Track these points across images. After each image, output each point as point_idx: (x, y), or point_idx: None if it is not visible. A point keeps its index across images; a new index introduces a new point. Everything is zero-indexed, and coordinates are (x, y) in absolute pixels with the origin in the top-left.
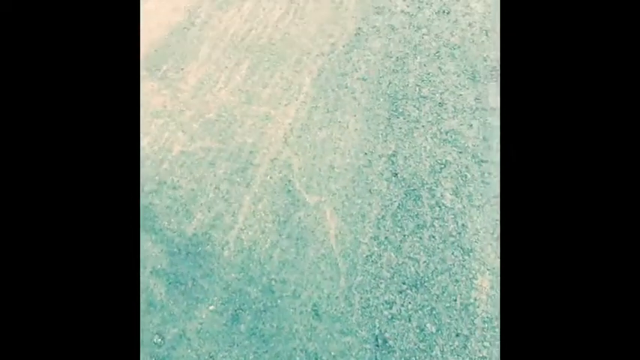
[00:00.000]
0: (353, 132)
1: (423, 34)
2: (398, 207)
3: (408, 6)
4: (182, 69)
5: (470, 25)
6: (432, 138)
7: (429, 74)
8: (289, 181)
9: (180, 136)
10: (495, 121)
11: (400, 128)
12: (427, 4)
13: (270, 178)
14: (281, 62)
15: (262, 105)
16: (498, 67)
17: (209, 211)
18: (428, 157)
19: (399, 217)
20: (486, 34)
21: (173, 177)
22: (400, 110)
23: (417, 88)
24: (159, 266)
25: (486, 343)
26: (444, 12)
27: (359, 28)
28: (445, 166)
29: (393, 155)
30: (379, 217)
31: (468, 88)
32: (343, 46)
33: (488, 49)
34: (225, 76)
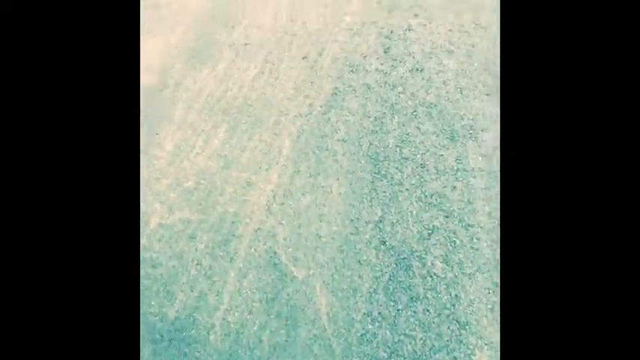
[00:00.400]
0: (337, 197)
1: (399, 93)
2: (389, 279)
3: (382, 64)
4: (157, 134)
5: (444, 82)
6: (417, 202)
7: (408, 134)
8: (275, 253)
9: (158, 208)
10: (478, 182)
11: (384, 192)
12: (400, 61)
13: (255, 250)
14: (259, 124)
15: (242, 170)
16: (475, 126)
17: (192, 291)
18: (415, 222)
19: (392, 290)
20: (461, 92)
21: (152, 253)
22: (383, 172)
23: (398, 149)
24: (141, 356)
25: None
26: (417, 70)
27: (335, 88)
28: (433, 231)
29: (380, 221)
30: (371, 290)
31: (447, 149)
32: (321, 107)
33: (464, 108)
34: (203, 140)
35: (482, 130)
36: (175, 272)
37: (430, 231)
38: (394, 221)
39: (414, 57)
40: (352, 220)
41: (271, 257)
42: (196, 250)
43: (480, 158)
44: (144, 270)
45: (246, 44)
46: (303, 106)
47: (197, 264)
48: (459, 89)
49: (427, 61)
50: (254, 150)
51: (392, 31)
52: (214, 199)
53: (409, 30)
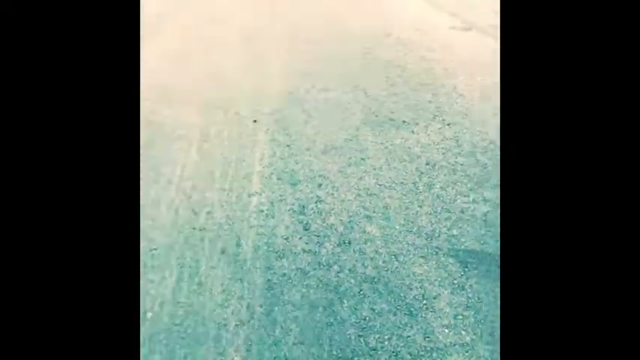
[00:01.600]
0: None
1: (337, 272)
2: None
3: (306, 243)
4: None
5: (376, 252)
6: None
7: (365, 320)
8: None
9: None
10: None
11: None
12: (325, 237)
13: None
14: (196, 346)
15: None
16: (426, 295)
17: None
18: None
19: None
20: (397, 259)
21: None
22: None
23: (362, 340)
24: None
25: None
26: (345, 243)
27: (268, 281)
28: None
29: None
30: None
31: (411, 327)
32: (260, 306)
33: (407, 277)
34: None
35: (434, 299)
36: None
37: None
38: None
39: (336, 230)
40: None
41: None
42: None
43: (447, 331)
44: None
45: (152, 250)
46: (242, 312)
47: None
48: (392, 256)
49: (351, 231)
50: None
51: (304, 207)
52: None
53: (319, 202)
